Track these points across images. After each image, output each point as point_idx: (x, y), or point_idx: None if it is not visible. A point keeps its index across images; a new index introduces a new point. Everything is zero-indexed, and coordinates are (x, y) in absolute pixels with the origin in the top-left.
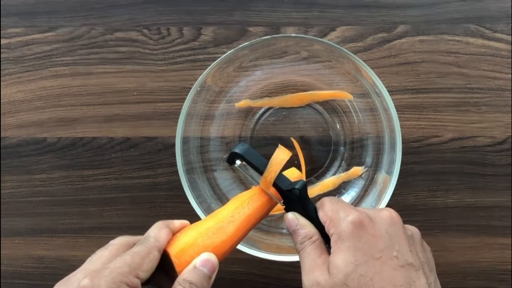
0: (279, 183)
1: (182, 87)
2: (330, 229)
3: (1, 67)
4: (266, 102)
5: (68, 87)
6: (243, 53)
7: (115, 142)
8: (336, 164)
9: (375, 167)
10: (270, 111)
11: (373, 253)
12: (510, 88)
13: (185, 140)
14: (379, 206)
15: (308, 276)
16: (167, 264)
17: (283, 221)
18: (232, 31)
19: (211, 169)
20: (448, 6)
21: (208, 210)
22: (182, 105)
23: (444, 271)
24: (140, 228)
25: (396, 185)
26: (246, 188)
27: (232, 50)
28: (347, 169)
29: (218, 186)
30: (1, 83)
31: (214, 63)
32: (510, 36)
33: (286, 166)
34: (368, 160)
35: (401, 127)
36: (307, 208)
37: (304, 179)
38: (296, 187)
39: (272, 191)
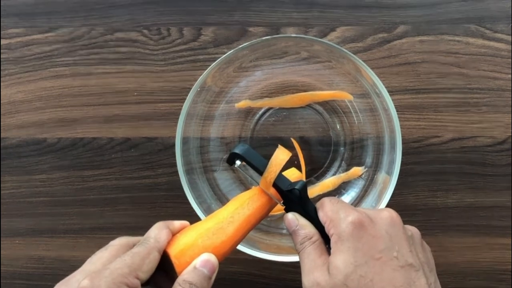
0: (279, 183)
1: (182, 87)
2: (330, 230)
3: (2, 68)
4: (266, 103)
5: (68, 87)
6: (243, 53)
7: (115, 142)
8: (336, 164)
9: (375, 167)
10: (270, 111)
11: (373, 254)
12: (510, 88)
13: (185, 141)
14: (379, 207)
15: (308, 277)
16: (167, 264)
17: (283, 222)
18: (232, 32)
19: (211, 169)
20: (449, 6)
21: (208, 211)
22: (182, 106)
23: (444, 271)
24: (141, 229)
25: (396, 185)
26: (246, 188)
27: (232, 51)
28: (347, 169)
29: (218, 186)
30: (2, 84)
31: (214, 63)
32: (510, 36)
33: (286, 166)
34: (368, 160)
35: (401, 128)
36: (307, 208)
37: (304, 179)
38: (296, 187)
39: (272, 191)
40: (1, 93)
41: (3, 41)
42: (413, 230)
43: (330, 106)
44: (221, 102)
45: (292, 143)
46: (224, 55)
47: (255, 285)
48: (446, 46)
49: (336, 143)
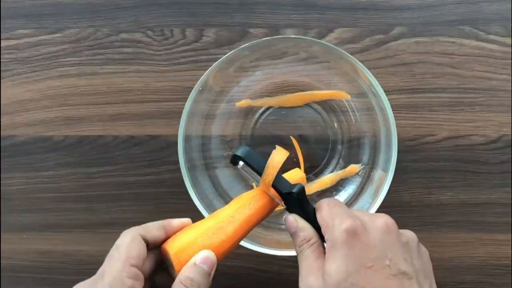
0: (278, 185)
1: (184, 87)
2: (325, 234)
3: (10, 68)
4: (266, 102)
5: (74, 87)
6: (244, 54)
7: (120, 140)
8: (334, 162)
9: (372, 165)
10: (270, 110)
11: (365, 262)
12: (503, 88)
13: (187, 139)
14: (376, 203)
15: (303, 280)
16: (167, 263)
17: (284, 223)
18: (233, 33)
19: (212, 166)
20: (444, 8)
21: (209, 207)
22: (184, 105)
23: (438, 266)
24: None
25: (392, 182)
26: (247, 184)
27: (233, 51)
28: (345, 166)
29: (220, 183)
30: (10, 83)
31: (215, 63)
32: (504, 38)
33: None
34: (365, 158)
35: (397, 126)
36: (306, 210)
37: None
38: (294, 190)
39: (272, 192)
40: (10, 92)
41: (12, 42)
42: (409, 235)
43: (328, 105)
44: (222, 101)
45: (291, 141)
46: (225, 56)
47: (255, 279)
48: (441, 47)
49: (334, 141)
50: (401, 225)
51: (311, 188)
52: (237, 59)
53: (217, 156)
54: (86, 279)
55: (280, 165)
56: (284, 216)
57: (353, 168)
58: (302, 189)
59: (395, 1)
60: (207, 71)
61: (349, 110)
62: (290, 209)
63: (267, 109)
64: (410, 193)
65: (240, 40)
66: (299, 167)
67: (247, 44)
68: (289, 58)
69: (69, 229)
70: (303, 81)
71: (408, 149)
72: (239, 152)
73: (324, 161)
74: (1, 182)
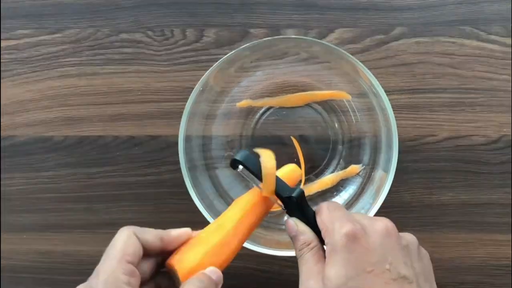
0: (278, 190)
1: (185, 87)
2: (325, 238)
3: (10, 68)
4: (266, 102)
5: (74, 87)
6: (245, 54)
7: (120, 140)
8: (335, 162)
9: (372, 165)
10: (271, 110)
11: (365, 267)
12: (504, 88)
13: (188, 139)
14: (377, 204)
15: (303, 285)
16: (172, 275)
17: (285, 226)
18: (234, 33)
19: (213, 166)
20: (444, 8)
21: (210, 207)
22: (185, 105)
23: (438, 266)
24: (145, 225)
25: (393, 182)
26: (248, 185)
27: (233, 51)
28: (345, 167)
29: (220, 183)
30: (11, 83)
31: (216, 64)
32: (504, 38)
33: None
34: (366, 158)
35: (397, 126)
36: (306, 213)
37: (303, 177)
38: (293, 195)
39: (274, 198)
40: (10, 92)
41: (12, 42)
42: (409, 238)
43: (329, 106)
44: (222, 101)
45: (292, 141)
46: (226, 56)
47: (255, 279)
48: (441, 47)
49: (334, 141)
50: (402, 225)
51: (312, 189)
52: (238, 59)
53: (218, 157)
54: (86, 279)
55: (275, 170)
56: (284, 219)
57: (354, 168)
58: (301, 193)
59: (395, 1)
60: (208, 71)
61: (350, 110)
62: (290, 212)
63: (268, 109)
64: (411, 193)
65: (240, 40)
66: (300, 168)
67: (247, 44)
68: (290, 58)
69: (69, 229)
70: (304, 81)
71: (409, 150)
72: (238, 156)
73: (325, 162)
74: (1, 182)
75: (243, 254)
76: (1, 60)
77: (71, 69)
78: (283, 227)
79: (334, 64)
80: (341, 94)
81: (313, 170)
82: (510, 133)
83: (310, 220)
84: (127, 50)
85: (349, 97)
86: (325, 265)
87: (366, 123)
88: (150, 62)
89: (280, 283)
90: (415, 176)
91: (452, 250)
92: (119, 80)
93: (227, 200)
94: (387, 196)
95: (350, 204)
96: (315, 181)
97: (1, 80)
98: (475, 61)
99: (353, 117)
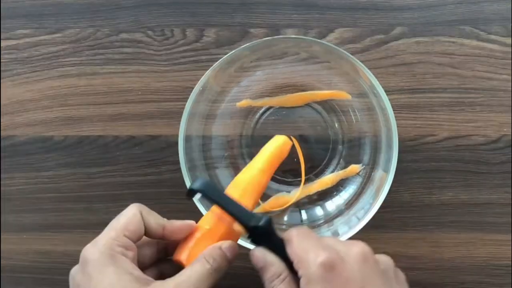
0: (242, 217)
1: (185, 87)
2: (298, 270)
3: (10, 68)
4: (266, 102)
5: (74, 87)
6: (244, 54)
7: (120, 140)
8: (335, 162)
9: (372, 165)
10: (271, 110)
11: None
12: (504, 88)
13: (188, 139)
14: (377, 203)
15: None
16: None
17: (250, 258)
18: (234, 33)
19: (213, 166)
20: (444, 8)
21: (210, 207)
22: (185, 105)
23: (438, 266)
24: None
25: (393, 182)
26: None
27: (233, 51)
28: (345, 166)
29: (220, 183)
30: (11, 83)
31: (216, 63)
32: (504, 38)
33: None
34: (366, 158)
35: (397, 126)
36: (274, 242)
37: (303, 178)
38: (260, 224)
39: (237, 228)
40: (10, 92)
41: (12, 42)
42: (385, 261)
43: (329, 106)
44: (222, 101)
45: (292, 141)
46: (226, 56)
47: (255, 279)
48: (441, 47)
49: (334, 141)
50: (402, 225)
51: (312, 189)
52: (238, 59)
53: (218, 156)
54: None
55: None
56: (250, 251)
57: (354, 168)
58: (269, 221)
59: (395, 1)
60: (208, 71)
61: (350, 110)
62: (256, 242)
63: (268, 109)
64: (411, 193)
65: (240, 40)
66: (300, 168)
67: (247, 44)
68: (290, 58)
69: (69, 229)
70: (304, 81)
71: (409, 149)
72: (196, 186)
73: (325, 161)
74: (1, 182)
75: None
76: (1, 60)
77: (71, 69)
78: (284, 227)
79: (334, 64)
80: (341, 94)
81: (313, 170)
82: (510, 133)
83: (279, 250)
84: (127, 50)
85: (349, 97)
86: None
87: (366, 123)
88: (150, 62)
89: None
90: (415, 176)
91: (452, 250)
92: (119, 80)
93: None
94: (387, 196)
95: (350, 204)
96: (315, 181)
97: (1, 80)
98: (475, 61)
99: (353, 117)
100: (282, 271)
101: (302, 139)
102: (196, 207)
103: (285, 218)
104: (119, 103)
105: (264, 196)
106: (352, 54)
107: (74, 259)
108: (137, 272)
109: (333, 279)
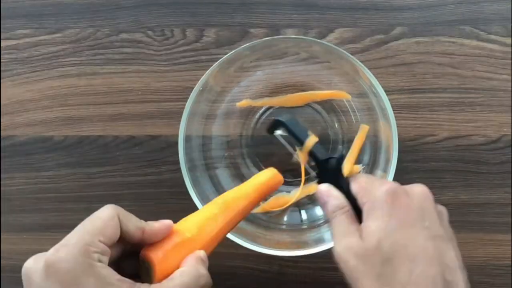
0: (317, 152)
1: (185, 87)
2: (363, 198)
3: (10, 68)
4: (266, 102)
5: (74, 87)
6: (244, 54)
7: (120, 140)
8: None
9: (372, 165)
10: (271, 110)
11: (406, 222)
12: (504, 88)
13: (188, 139)
14: None
15: (340, 242)
16: (143, 266)
17: (315, 193)
18: (234, 33)
19: (213, 166)
20: (444, 8)
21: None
22: (185, 105)
23: None
24: None
25: None
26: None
27: (233, 51)
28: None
29: (220, 183)
30: (11, 83)
31: (216, 63)
32: (504, 38)
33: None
34: (365, 158)
35: (397, 126)
36: (340, 180)
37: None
38: (335, 156)
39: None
40: (10, 92)
41: (12, 42)
42: (442, 208)
43: (328, 105)
44: (222, 101)
45: None
46: (226, 56)
47: (255, 279)
48: (441, 47)
49: (334, 141)
50: None
51: (312, 189)
52: (238, 59)
53: (218, 156)
54: None
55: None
56: (317, 186)
57: (354, 168)
58: (342, 156)
59: (395, 1)
60: (208, 71)
61: (350, 110)
62: (322, 180)
63: (268, 109)
64: None
65: (240, 40)
66: (300, 168)
67: (247, 44)
68: (290, 58)
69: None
70: (304, 81)
71: (409, 149)
72: (282, 118)
73: None
74: (1, 182)
75: (243, 254)
76: (1, 60)
77: (71, 69)
78: (284, 227)
79: (334, 64)
80: (341, 94)
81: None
82: (510, 133)
83: (344, 187)
84: (127, 50)
85: (349, 97)
86: (364, 222)
87: (366, 123)
88: (150, 62)
89: (280, 283)
90: (415, 176)
91: None
92: (119, 80)
93: None
94: None
95: None
96: (315, 181)
97: (1, 80)
98: (475, 61)
99: (353, 117)
100: (346, 205)
101: None
102: (196, 207)
103: (285, 218)
104: (119, 103)
105: None
106: (352, 54)
107: None
108: (117, 277)
109: (396, 204)
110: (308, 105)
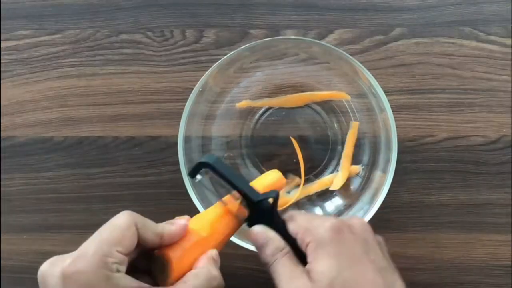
0: (249, 194)
1: (184, 87)
2: (305, 238)
3: (10, 69)
4: (266, 103)
5: (74, 87)
6: (244, 54)
7: (120, 141)
8: (334, 162)
9: (372, 165)
10: (270, 111)
11: (355, 257)
12: (503, 89)
13: (187, 139)
14: (376, 204)
15: (288, 286)
16: (157, 263)
17: (249, 236)
18: (233, 34)
19: None
20: (444, 9)
21: (202, 193)
22: (184, 105)
23: (438, 266)
24: None
25: (392, 183)
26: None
27: (233, 52)
28: None
29: (220, 183)
30: (10, 84)
31: (215, 64)
32: (504, 39)
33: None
34: (365, 159)
35: (396, 127)
36: (276, 221)
37: (303, 178)
38: (270, 196)
39: (236, 207)
40: (10, 93)
41: (12, 43)
42: (380, 239)
43: (328, 106)
44: (222, 102)
45: (291, 141)
46: (225, 56)
47: (255, 279)
48: (440, 48)
49: (334, 142)
50: (401, 225)
51: (312, 189)
52: (237, 60)
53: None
54: None
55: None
56: (250, 229)
57: (353, 168)
58: (277, 197)
59: (395, 2)
60: (207, 72)
61: (349, 110)
62: (255, 222)
63: (267, 109)
64: (410, 193)
65: (240, 41)
66: (299, 168)
67: (247, 45)
68: (289, 59)
69: (69, 230)
70: (303, 81)
71: (408, 150)
72: (207, 159)
73: (324, 162)
74: (1, 183)
75: (243, 254)
76: (1, 61)
77: (71, 70)
78: None
79: (334, 65)
80: (340, 95)
81: (313, 171)
82: (509, 134)
83: (280, 229)
84: (126, 50)
85: (349, 97)
86: (310, 263)
87: (365, 124)
88: (150, 63)
89: None
90: (414, 177)
91: (451, 250)
92: (119, 81)
93: None
94: (386, 197)
95: (349, 204)
96: (315, 181)
97: (1, 81)
98: (475, 61)
99: (352, 118)
100: (284, 247)
101: (301, 140)
102: (196, 208)
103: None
104: (119, 104)
105: None
106: (351, 55)
107: None
108: (135, 285)
109: (343, 240)
110: (307, 105)
